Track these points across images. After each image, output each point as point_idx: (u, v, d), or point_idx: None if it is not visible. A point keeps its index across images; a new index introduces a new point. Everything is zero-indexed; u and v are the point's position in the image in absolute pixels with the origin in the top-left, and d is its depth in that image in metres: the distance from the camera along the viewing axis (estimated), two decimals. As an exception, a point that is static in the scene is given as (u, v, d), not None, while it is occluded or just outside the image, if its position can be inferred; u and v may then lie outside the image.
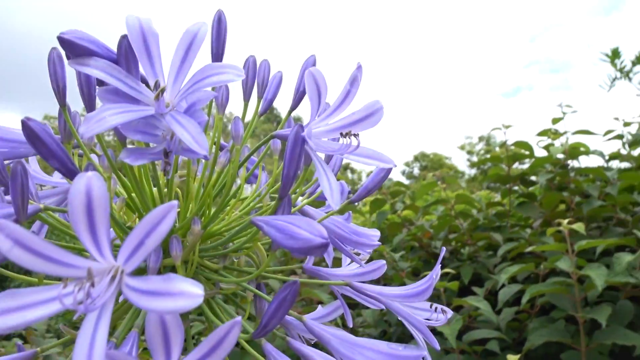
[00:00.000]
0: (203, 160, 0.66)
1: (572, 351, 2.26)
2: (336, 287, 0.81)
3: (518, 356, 2.06)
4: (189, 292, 0.40)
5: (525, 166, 3.18)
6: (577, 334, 2.23)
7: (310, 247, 0.47)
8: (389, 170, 0.72)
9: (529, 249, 2.45)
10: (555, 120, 3.11)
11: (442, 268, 2.51)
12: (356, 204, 0.94)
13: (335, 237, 0.76)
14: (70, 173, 0.53)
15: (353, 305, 2.48)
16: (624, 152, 3.11)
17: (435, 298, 2.60)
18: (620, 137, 3.11)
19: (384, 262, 0.80)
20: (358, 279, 0.76)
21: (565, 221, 2.32)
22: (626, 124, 3.11)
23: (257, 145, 0.69)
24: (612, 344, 2.19)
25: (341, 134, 0.61)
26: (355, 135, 0.60)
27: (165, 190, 0.65)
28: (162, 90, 0.53)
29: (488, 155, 3.76)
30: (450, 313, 0.69)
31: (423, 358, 0.59)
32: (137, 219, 0.68)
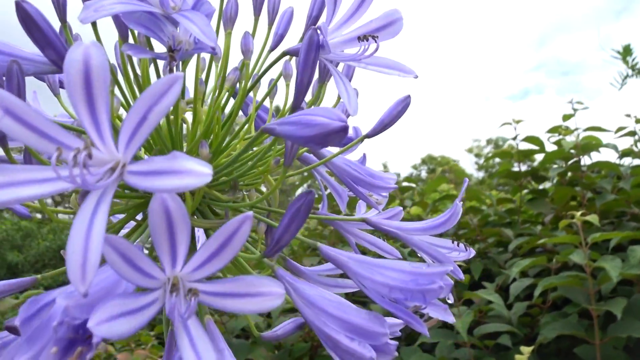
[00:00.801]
0: (211, 83, 0.62)
1: (586, 345, 2.20)
2: (351, 237, 0.77)
3: (531, 348, 2.01)
4: (196, 170, 0.36)
5: (532, 166, 3.14)
6: (591, 328, 2.17)
7: (328, 133, 0.43)
8: (407, 104, 0.68)
9: (541, 241, 2.40)
10: (566, 117, 3.06)
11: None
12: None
13: (350, 178, 0.72)
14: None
15: (352, 301, 2.44)
16: (636, 149, 3.06)
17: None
18: (632, 133, 3.06)
19: (401, 208, 0.76)
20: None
21: (579, 213, 2.27)
22: (638, 121, 3.06)
23: (269, 65, 0.65)
24: (626, 338, 2.13)
25: (359, 38, 0.57)
26: (374, 38, 0.56)
27: (172, 117, 0.61)
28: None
29: (494, 155, 3.72)
30: (472, 252, 0.65)
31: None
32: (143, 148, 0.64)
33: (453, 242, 0.64)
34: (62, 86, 0.72)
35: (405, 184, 3.46)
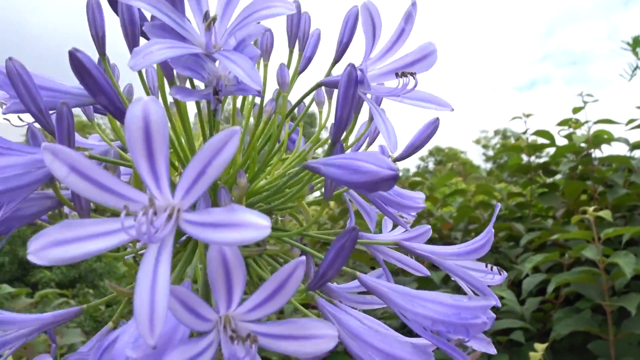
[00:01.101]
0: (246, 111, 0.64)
1: (600, 341, 2.21)
2: (379, 254, 0.78)
3: (545, 345, 2.02)
4: (256, 223, 0.38)
5: (543, 160, 3.14)
6: (604, 324, 2.18)
7: (378, 181, 0.44)
8: (436, 127, 0.69)
9: (554, 237, 2.40)
10: (576, 110, 3.05)
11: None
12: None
13: (379, 198, 0.73)
14: (118, 112, 0.50)
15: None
16: (647, 141, 3.05)
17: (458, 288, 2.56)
18: (643, 126, 3.04)
19: (429, 227, 0.77)
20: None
21: (591, 209, 2.27)
22: (649, 113, 3.05)
23: (304, 95, 0.66)
24: (640, 334, 2.14)
25: (396, 74, 0.58)
26: (413, 75, 0.57)
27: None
28: (214, 20, 0.50)
29: (505, 149, 3.72)
30: (505, 274, 0.66)
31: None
32: (178, 176, 0.65)
33: (486, 266, 0.65)
34: (96, 111, 0.73)
35: (414, 178, 3.46)
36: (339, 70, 0.70)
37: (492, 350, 0.58)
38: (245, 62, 0.48)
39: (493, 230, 0.63)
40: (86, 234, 0.39)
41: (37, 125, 0.56)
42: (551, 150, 3.07)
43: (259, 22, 0.52)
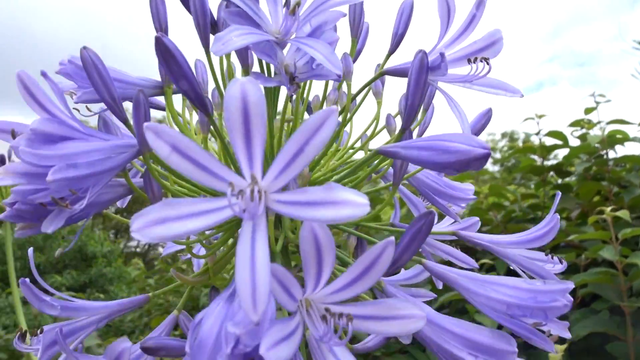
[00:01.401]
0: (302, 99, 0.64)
1: (618, 342, 2.20)
2: (428, 248, 0.79)
3: (565, 346, 2.01)
4: (354, 200, 0.38)
5: (552, 162, 3.13)
6: (623, 325, 2.17)
7: (470, 160, 0.44)
8: (489, 117, 0.70)
9: (571, 237, 2.40)
10: (588, 110, 3.05)
11: (476, 261, 2.48)
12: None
13: (429, 190, 0.74)
14: (198, 97, 0.51)
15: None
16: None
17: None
18: (657, 126, 3.04)
19: (477, 218, 0.78)
20: (455, 235, 0.74)
21: (609, 208, 2.27)
22: (661, 114, 3.05)
23: (366, 83, 0.66)
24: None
25: (469, 60, 0.58)
26: (487, 61, 0.57)
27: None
28: (298, 4, 0.51)
29: (516, 151, 3.71)
30: (565, 264, 0.66)
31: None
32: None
33: (546, 255, 0.65)
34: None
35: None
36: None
37: (567, 335, 0.58)
38: (324, 47, 0.49)
39: (558, 216, 0.63)
40: (188, 212, 0.39)
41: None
42: (560, 152, 3.07)
43: (333, 9, 0.53)
